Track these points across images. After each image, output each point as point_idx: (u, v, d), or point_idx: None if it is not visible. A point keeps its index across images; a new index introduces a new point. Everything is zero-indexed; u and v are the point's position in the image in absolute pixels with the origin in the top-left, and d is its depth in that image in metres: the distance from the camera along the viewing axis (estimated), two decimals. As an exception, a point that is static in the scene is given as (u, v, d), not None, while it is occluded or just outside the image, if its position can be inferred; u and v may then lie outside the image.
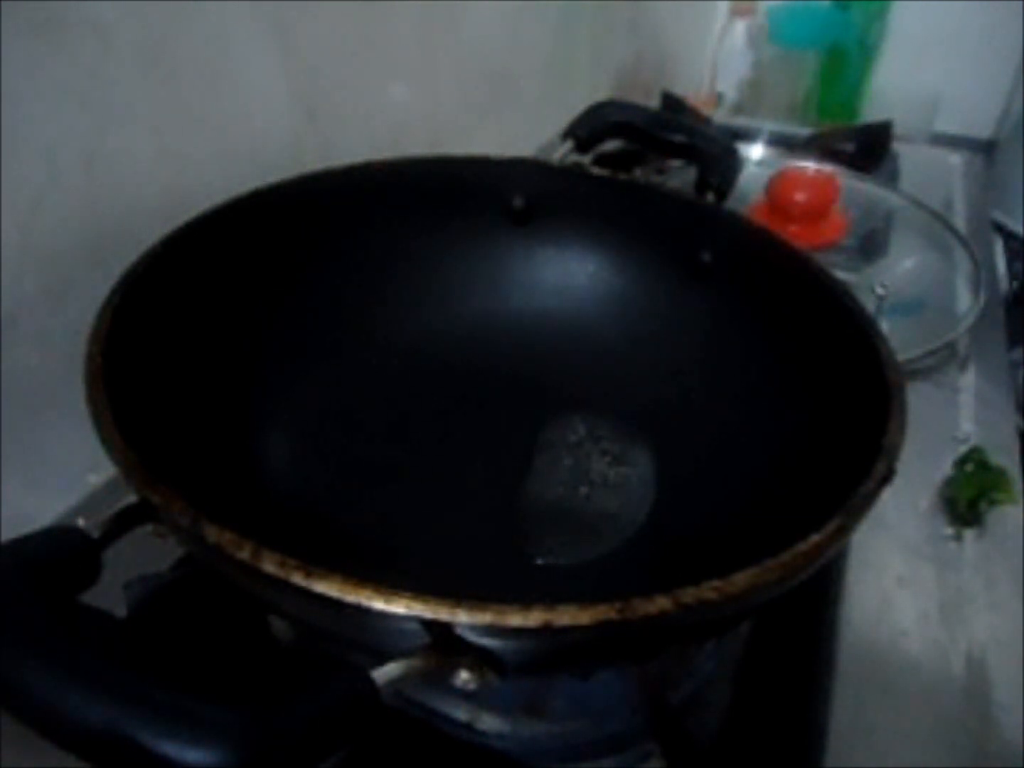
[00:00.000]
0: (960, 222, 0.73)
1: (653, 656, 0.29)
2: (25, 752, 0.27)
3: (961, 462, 0.44)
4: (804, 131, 0.89)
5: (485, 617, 0.18)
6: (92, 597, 0.20)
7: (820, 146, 0.84)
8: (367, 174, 0.39)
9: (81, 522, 0.21)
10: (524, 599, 0.19)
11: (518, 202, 0.42)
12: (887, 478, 0.24)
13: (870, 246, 0.68)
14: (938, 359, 0.53)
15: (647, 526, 0.33)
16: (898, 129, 0.87)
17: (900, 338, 0.39)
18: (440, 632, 0.19)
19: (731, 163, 0.44)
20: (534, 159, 0.45)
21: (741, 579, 0.20)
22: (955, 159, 0.89)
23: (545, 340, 0.42)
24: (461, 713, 0.30)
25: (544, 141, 0.75)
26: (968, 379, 0.53)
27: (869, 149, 0.83)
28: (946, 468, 0.45)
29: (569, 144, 0.45)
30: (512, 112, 0.74)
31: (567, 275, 0.43)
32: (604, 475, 0.36)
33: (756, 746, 0.32)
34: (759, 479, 0.32)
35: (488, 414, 0.38)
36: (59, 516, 0.38)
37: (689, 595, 0.19)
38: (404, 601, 0.18)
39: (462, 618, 0.18)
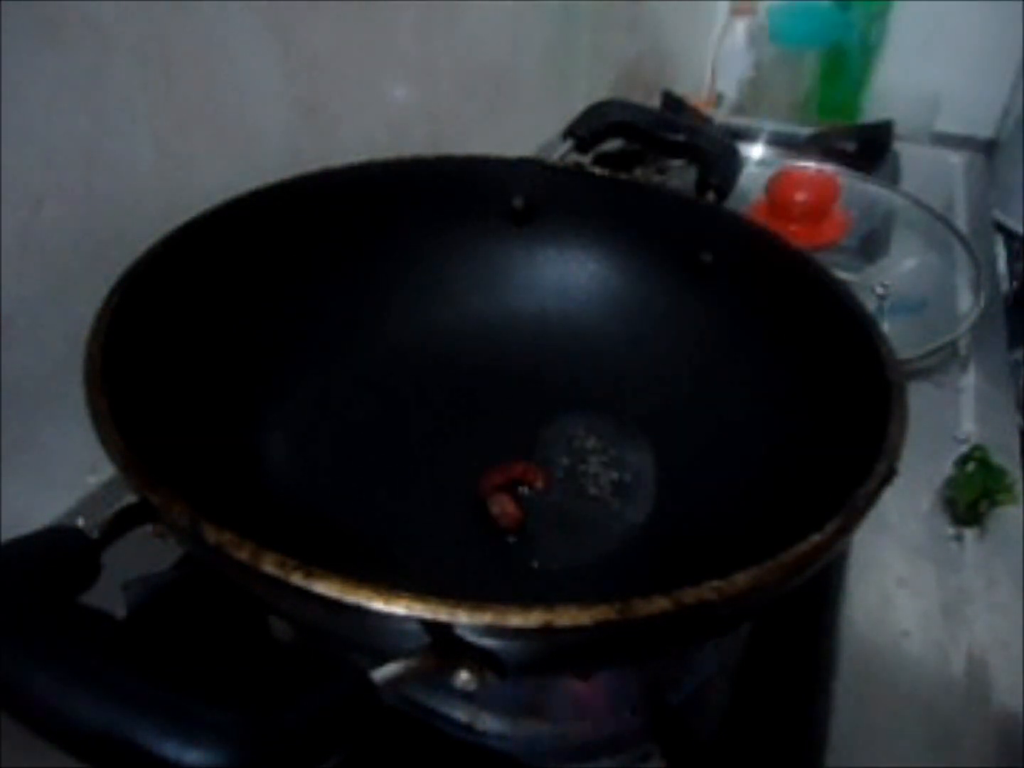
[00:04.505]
0: (961, 222, 0.73)
1: (653, 657, 0.29)
2: (25, 752, 0.27)
3: (962, 462, 0.44)
4: (804, 131, 0.89)
5: (485, 618, 0.18)
6: (92, 597, 0.20)
7: (820, 146, 0.84)
8: (367, 174, 0.39)
9: (81, 522, 0.21)
10: (524, 600, 0.19)
11: (518, 202, 0.42)
12: (888, 478, 0.24)
13: (871, 246, 0.68)
14: (939, 359, 0.53)
15: (647, 526, 0.33)
16: (899, 129, 0.86)
17: (901, 338, 0.39)
18: (440, 633, 0.19)
19: (731, 163, 0.44)
20: (534, 159, 0.45)
21: (741, 580, 0.20)
22: (956, 159, 0.89)
23: (545, 340, 0.42)
24: (461, 714, 0.30)
25: (544, 141, 0.75)
26: (969, 379, 0.53)
27: (870, 149, 0.83)
28: (947, 468, 0.45)
29: (569, 144, 0.45)
30: (512, 112, 0.74)
31: (567, 275, 0.43)
32: (604, 475, 0.36)
33: (756, 746, 0.32)
34: (760, 479, 0.32)
35: (488, 414, 0.38)
36: (59, 516, 0.38)
37: (689, 596, 0.19)
38: (404, 602, 0.18)
39: (462, 619, 0.18)
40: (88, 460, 0.37)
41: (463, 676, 0.19)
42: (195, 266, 0.32)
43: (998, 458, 0.44)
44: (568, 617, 0.18)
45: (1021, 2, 1.22)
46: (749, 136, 0.86)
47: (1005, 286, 0.86)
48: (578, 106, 0.47)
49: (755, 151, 0.83)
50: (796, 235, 0.61)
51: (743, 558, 0.21)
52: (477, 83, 0.67)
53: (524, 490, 0.34)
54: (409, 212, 0.41)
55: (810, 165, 0.75)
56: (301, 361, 0.37)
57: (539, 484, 0.34)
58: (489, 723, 0.30)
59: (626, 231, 0.42)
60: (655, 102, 0.87)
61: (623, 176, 0.43)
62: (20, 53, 0.31)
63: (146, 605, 0.30)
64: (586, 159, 0.46)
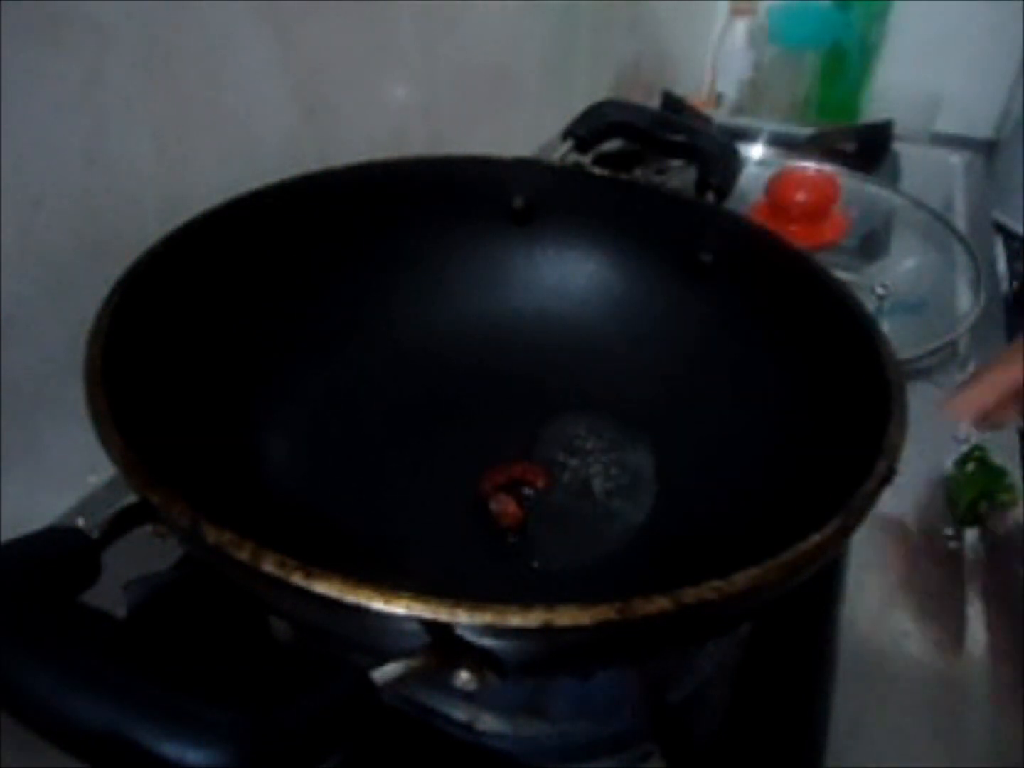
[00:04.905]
0: (960, 222, 0.73)
1: (653, 657, 0.29)
2: (25, 752, 0.27)
3: (962, 462, 0.44)
4: (804, 131, 0.89)
5: (485, 617, 0.18)
6: (92, 597, 0.20)
7: (820, 146, 0.84)
8: (367, 174, 0.39)
9: (81, 522, 0.22)
10: (524, 600, 0.19)
11: (518, 202, 0.42)
12: (888, 478, 0.24)
13: (870, 246, 0.68)
14: (939, 359, 0.53)
15: (647, 526, 0.33)
16: (899, 129, 0.87)
17: (901, 338, 0.39)
18: (440, 632, 0.19)
19: (731, 163, 0.44)
20: (534, 159, 0.45)
21: (741, 579, 0.20)
22: (956, 159, 0.89)
23: (545, 340, 0.42)
24: (461, 713, 0.30)
25: (544, 141, 0.75)
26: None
27: (870, 149, 0.83)
28: (946, 468, 0.45)
29: (569, 144, 0.45)
30: (512, 112, 0.74)
31: (567, 275, 0.43)
32: (604, 475, 0.36)
33: (756, 746, 0.32)
34: (759, 479, 0.32)
35: (488, 414, 0.38)
36: (59, 516, 0.38)
37: (689, 595, 0.19)
38: (404, 601, 0.18)
39: (462, 618, 0.18)
40: (88, 460, 0.37)
41: (463, 676, 0.19)
42: (195, 266, 0.32)
43: (998, 458, 0.44)
44: (568, 617, 0.18)
45: (1021, 2, 1.22)
46: (749, 136, 0.86)
47: (1005, 286, 0.86)
48: (578, 106, 0.47)
49: (755, 151, 0.83)
50: (796, 235, 0.61)
51: (743, 558, 0.21)
52: (477, 83, 0.67)
53: (525, 490, 0.34)
54: (409, 212, 0.41)
55: (810, 165, 0.75)
56: (301, 361, 0.37)
57: (540, 484, 0.34)
58: (489, 723, 0.30)
59: (626, 231, 0.42)
60: (655, 102, 0.87)
61: (623, 176, 0.43)
62: (20, 53, 0.31)
63: (146, 605, 0.30)
64: (586, 159, 0.46)
